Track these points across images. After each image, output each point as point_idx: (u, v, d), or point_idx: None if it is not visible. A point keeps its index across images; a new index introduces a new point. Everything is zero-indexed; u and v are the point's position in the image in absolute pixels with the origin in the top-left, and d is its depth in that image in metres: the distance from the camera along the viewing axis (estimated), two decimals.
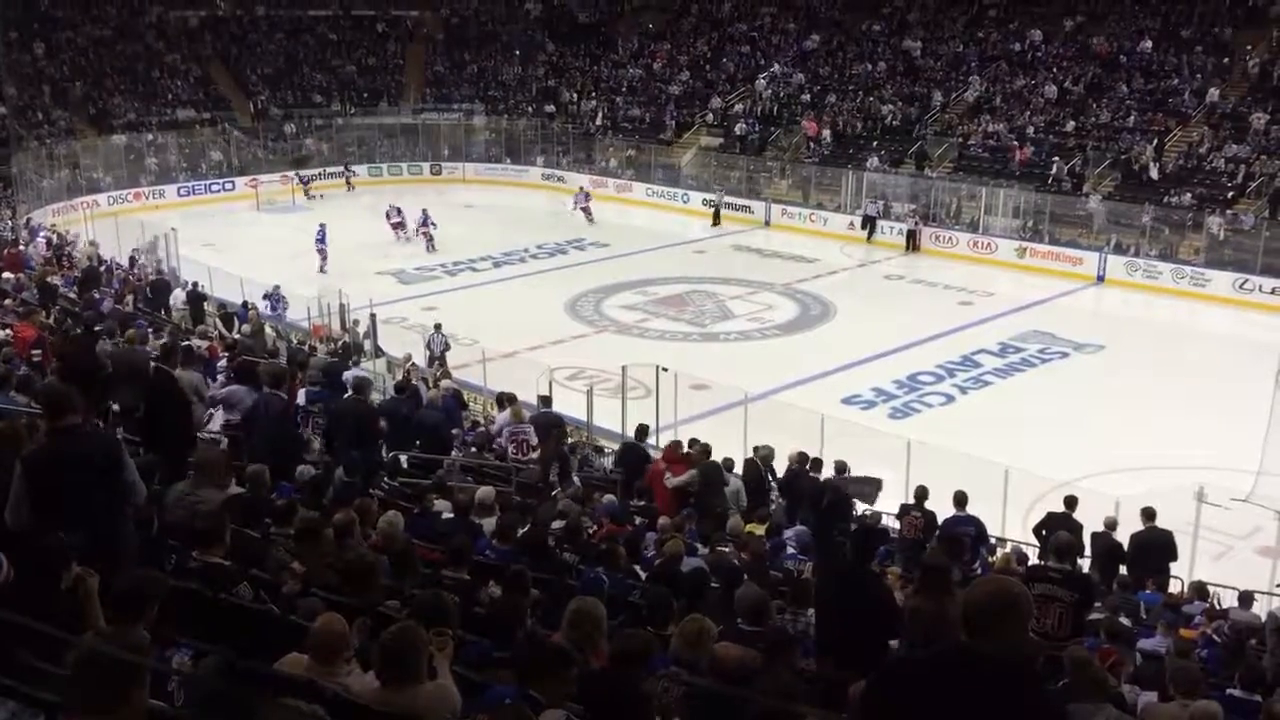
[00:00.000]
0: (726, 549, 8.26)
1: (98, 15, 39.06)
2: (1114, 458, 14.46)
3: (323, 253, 25.16)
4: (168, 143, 35.58)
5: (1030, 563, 9.31)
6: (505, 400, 12.55)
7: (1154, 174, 27.48)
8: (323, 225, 25.72)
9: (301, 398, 10.59)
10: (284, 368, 10.57)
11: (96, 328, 11.95)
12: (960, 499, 9.96)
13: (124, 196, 32.19)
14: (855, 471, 11.27)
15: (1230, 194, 26.38)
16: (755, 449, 11.46)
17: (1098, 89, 30.99)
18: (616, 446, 14.20)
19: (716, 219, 31.49)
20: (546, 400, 12.92)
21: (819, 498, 10.47)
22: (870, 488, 11.00)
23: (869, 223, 29.48)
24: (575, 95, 40.01)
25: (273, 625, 4.48)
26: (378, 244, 27.62)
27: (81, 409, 4.88)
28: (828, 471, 11.33)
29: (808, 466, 11.18)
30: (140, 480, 4.95)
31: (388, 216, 28.58)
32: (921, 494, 10.41)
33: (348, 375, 11.71)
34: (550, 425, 11.43)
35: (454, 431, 11.65)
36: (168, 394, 7.35)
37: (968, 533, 9.72)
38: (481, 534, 7.31)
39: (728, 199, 32.59)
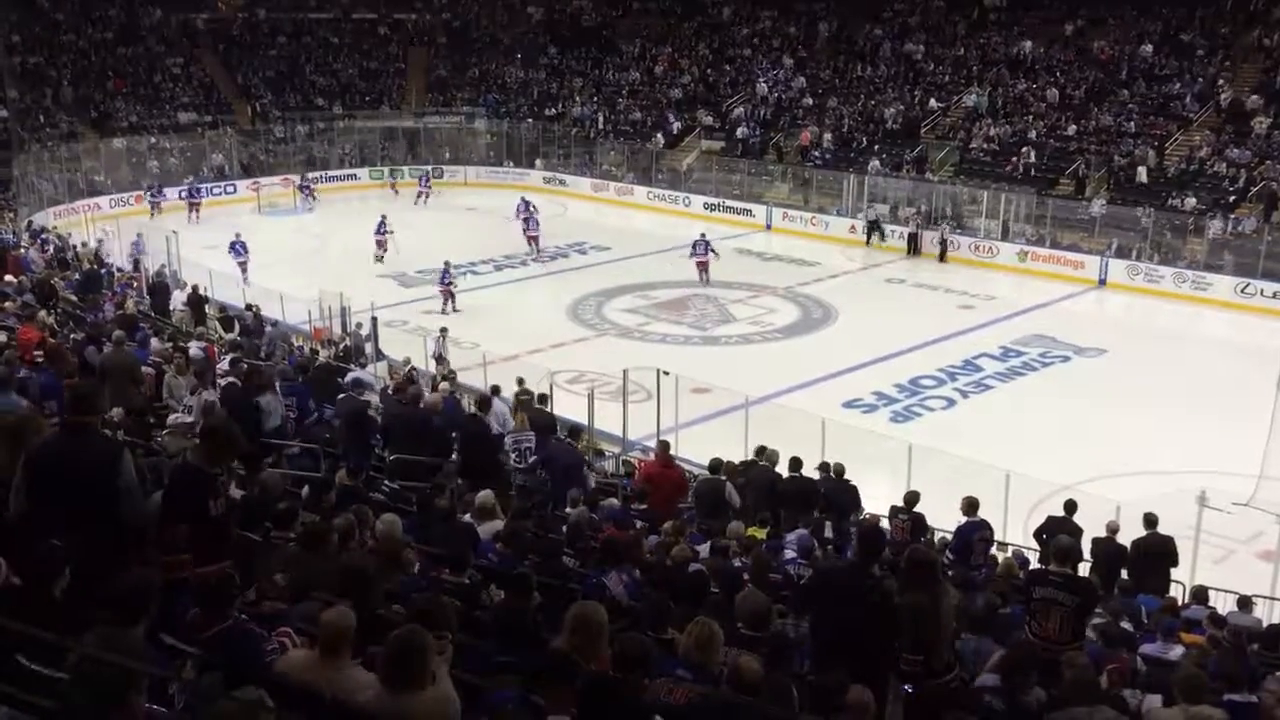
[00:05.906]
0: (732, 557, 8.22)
1: (99, 18, 39.13)
2: (1115, 462, 14.43)
3: (381, 243, 26.20)
4: (170, 146, 35.67)
5: (1031, 567, 9.30)
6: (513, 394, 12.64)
7: (1143, 178, 27.51)
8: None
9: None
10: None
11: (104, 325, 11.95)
12: (971, 505, 9.95)
13: (125, 200, 32.23)
14: (852, 476, 11.22)
15: (1232, 198, 26.37)
16: (761, 450, 11.40)
17: (1099, 93, 31.00)
18: (618, 450, 14.25)
19: (871, 237, 29.37)
20: (544, 399, 12.91)
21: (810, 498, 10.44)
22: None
23: (871, 227, 29.48)
24: (576, 98, 40.04)
25: None
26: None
27: (103, 413, 4.87)
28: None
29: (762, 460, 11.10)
30: (138, 488, 4.89)
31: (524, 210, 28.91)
32: (911, 499, 10.41)
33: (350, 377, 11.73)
34: (547, 428, 11.42)
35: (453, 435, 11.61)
36: (480, 436, 10.22)
37: (984, 537, 9.71)
38: (478, 538, 7.28)
39: (728, 202, 32.59)
